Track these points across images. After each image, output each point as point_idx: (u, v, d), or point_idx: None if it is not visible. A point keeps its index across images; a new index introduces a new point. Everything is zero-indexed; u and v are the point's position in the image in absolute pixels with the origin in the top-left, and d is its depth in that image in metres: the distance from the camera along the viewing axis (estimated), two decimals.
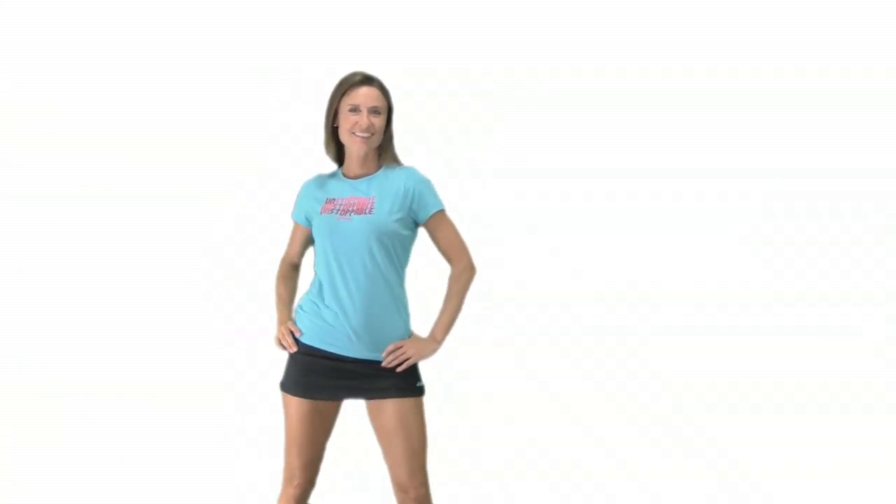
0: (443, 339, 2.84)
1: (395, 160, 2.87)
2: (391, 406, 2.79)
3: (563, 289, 4.49)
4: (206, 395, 4.38)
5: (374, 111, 2.81)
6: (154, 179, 4.56)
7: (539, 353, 4.44)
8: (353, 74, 2.86)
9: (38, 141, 4.57)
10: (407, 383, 2.80)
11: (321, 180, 2.95)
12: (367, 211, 2.78)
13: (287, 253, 3.06)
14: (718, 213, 4.51)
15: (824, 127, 4.46)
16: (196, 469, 4.05)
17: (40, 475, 4.02)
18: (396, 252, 2.80)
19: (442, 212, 2.83)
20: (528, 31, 4.53)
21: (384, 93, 2.85)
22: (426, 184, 2.83)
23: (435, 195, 2.84)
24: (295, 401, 2.86)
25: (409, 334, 2.85)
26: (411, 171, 2.84)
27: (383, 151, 2.86)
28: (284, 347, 2.90)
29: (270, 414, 4.35)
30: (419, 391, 2.83)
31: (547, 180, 4.50)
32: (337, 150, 2.91)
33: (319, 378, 2.83)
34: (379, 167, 2.86)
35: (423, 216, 2.81)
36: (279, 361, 4.46)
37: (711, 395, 4.41)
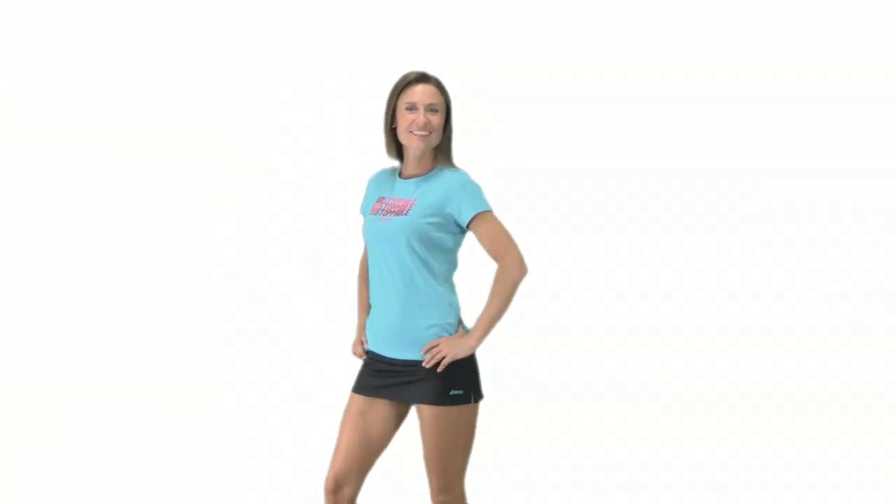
0: (479, 337, 2.75)
1: (449, 162, 2.83)
2: (423, 411, 2.77)
3: (562, 289, 4.49)
4: (206, 395, 4.38)
5: (431, 109, 2.77)
6: (154, 179, 4.56)
7: (540, 352, 4.45)
8: (410, 73, 2.84)
9: (38, 141, 4.57)
10: (442, 389, 2.74)
11: (381, 177, 2.94)
12: (405, 213, 2.76)
13: (364, 251, 3.02)
14: (718, 213, 4.51)
15: (824, 127, 4.46)
16: (196, 469, 4.05)
17: (40, 475, 4.02)
18: (433, 254, 2.76)
19: (482, 214, 2.73)
20: (528, 31, 4.53)
21: (442, 91, 2.82)
22: (466, 188, 2.75)
23: (474, 198, 2.74)
24: (351, 396, 2.90)
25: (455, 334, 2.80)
26: (457, 175, 2.79)
27: (439, 152, 2.82)
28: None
29: (271, 414, 4.38)
30: (453, 400, 2.74)
31: (547, 180, 4.50)
32: (398, 150, 2.88)
33: (370, 377, 2.86)
34: (432, 168, 2.83)
35: (464, 220, 2.74)
36: (279, 361, 4.49)
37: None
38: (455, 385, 2.75)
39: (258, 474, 4.10)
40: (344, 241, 4.54)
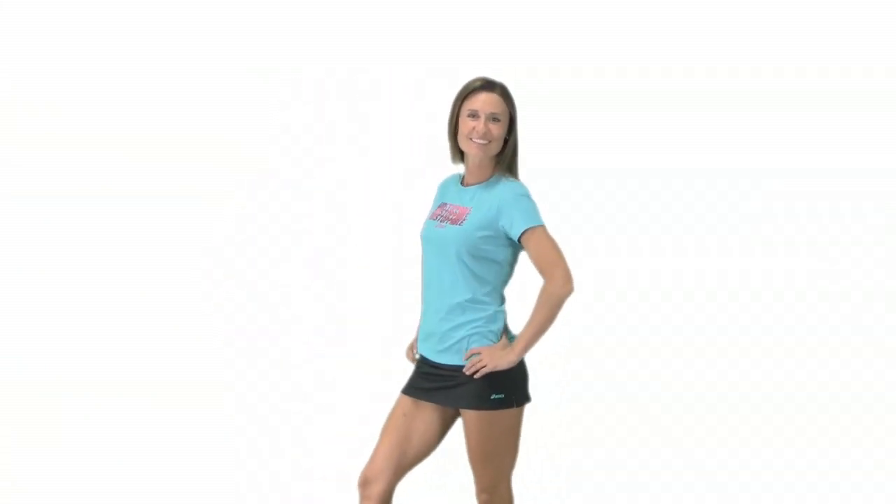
0: (520, 353, 2.73)
1: (508, 170, 2.80)
2: (466, 414, 2.79)
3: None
4: (206, 395, 4.38)
5: (492, 118, 2.75)
6: (154, 179, 4.56)
7: (545, 354, 4.44)
8: (476, 79, 2.81)
9: (38, 141, 4.57)
10: (483, 393, 2.74)
11: (448, 182, 2.93)
12: (459, 222, 2.76)
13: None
14: (718, 213, 4.51)
15: (824, 127, 4.46)
16: (196, 469, 4.05)
17: (40, 475, 4.02)
18: (482, 266, 2.75)
19: (532, 229, 2.70)
20: (528, 31, 4.53)
21: (506, 100, 2.79)
22: (517, 201, 2.72)
23: (525, 213, 2.71)
24: (399, 396, 2.91)
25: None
26: (510, 186, 2.75)
27: (500, 161, 2.80)
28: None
29: (270, 414, 4.38)
30: (494, 403, 2.74)
31: (547, 180, 4.49)
32: (463, 157, 2.86)
33: (418, 380, 2.88)
34: (491, 177, 2.80)
35: (515, 235, 2.72)
36: (279, 361, 4.49)
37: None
38: (496, 389, 2.74)
39: (258, 474, 4.10)
40: (344, 241, 4.55)
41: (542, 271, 2.72)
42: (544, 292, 2.71)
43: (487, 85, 2.79)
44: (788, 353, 4.43)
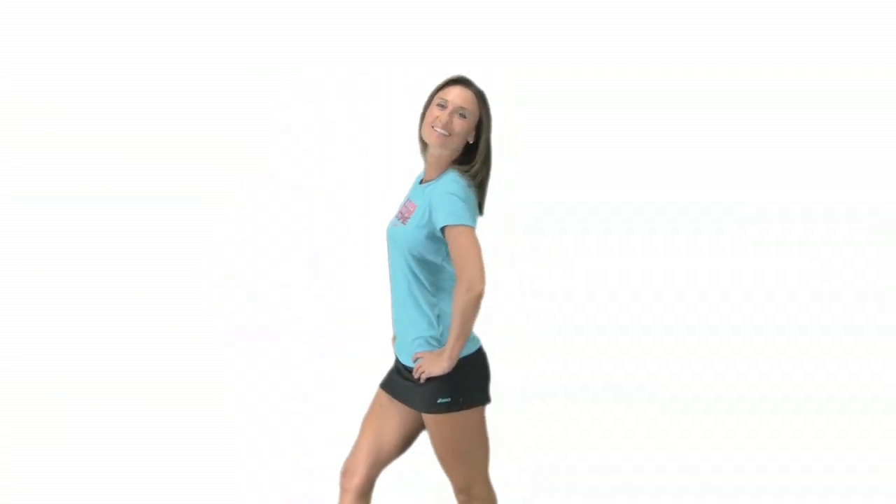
0: (449, 359, 2.67)
1: (474, 179, 2.70)
2: (423, 418, 2.81)
3: (562, 290, 4.49)
4: (206, 395, 4.38)
5: (460, 112, 2.69)
6: (154, 179, 4.56)
7: (541, 354, 4.45)
8: (455, 76, 2.77)
9: (38, 141, 4.57)
10: (431, 397, 2.73)
11: (417, 178, 2.91)
12: (405, 221, 2.73)
13: None
14: (718, 214, 4.51)
15: (824, 127, 4.46)
16: (196, 469, 4.05)
17: (40, 475, 4.02)
18: (426, 265, 2.71)
19: (448, 228, 2.59)
20: (529, 31, 4.54)
21: (480, 101, 2.73)
22: (445, 198, 2.62)
23: (446, 210, 2.60)
24: (378, 389, 2.96)
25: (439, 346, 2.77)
26: (444, 184, 2.66)
27: (457, 165, 2.72)
28: None
29: (271, 414, 4.38)
30: (441, 407, 2.72)
31: (546, 180, 4.50)
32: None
33: (392, 373, 2.92)
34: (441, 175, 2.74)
35: (438, 231, 2.65)
36: (279, 361, 4.49)
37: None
38: (442, 393, 2.72)
39: (258, 474, 4.10)
40: (344, 241, 4.55)
41: (456, 274, 2.63)
42: (455, 298, 2.63)
43: (464, 81, 2.76)
44: (779, 352, 4.44)
